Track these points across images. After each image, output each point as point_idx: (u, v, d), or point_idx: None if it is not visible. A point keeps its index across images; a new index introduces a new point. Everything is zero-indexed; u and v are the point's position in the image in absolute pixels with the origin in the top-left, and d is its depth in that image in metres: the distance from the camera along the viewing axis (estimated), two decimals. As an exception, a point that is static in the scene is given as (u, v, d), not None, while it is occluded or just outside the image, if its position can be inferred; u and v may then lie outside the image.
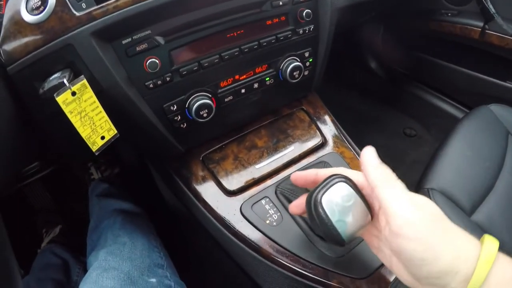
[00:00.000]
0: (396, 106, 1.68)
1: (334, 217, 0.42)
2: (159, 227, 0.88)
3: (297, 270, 0.58)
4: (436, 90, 1.52)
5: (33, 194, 1.21)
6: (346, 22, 0.89)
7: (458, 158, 0.95)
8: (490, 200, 0.92)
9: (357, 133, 1.45)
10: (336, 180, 0.44)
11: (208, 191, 0.68)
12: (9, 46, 0.52)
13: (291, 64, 0.70)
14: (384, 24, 1.54)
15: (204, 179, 0.69)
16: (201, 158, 0.73)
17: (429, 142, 1.51)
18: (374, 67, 1.71)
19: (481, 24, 1.19)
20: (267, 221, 0.62)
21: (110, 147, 0.63)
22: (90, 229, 0.89)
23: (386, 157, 1.39)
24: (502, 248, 0.78)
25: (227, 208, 0.65)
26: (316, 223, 0.44)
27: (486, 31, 1.18)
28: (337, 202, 0.43)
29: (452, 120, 1.39)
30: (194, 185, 0.69)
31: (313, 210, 0.44)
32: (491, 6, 1.16)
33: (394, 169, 1.01)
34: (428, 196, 0.83)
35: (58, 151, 0.78)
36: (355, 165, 0.73)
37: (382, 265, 0.58)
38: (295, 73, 0.71)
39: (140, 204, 0.94)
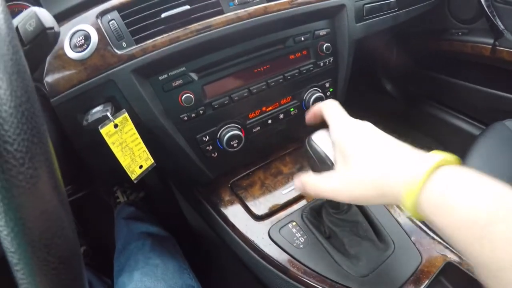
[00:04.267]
0: (413, 126, 1.76)
1: (324, 148, 0.54)
2: (184, 250, 0.95)
3: None
4: (452, 108, 1.60)
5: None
6: (363, 50, 0.99)
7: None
8: None
9: None
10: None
11: (237, 216, 0.76)
12: (52, 79, 0.60)
13: (313, 95, 0.79)
14: (396, 46, 1.64)
15: (232, 205, 0.77)
16: (229, 185, 0.81)
17: (447, 161, 1.58)
18: (390, 89, 1.79)
19: (491, 41, 1.27)
20: (294, 244, 0.69)
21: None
22: (118, 251, 0.96)
23: None
24: None
25: (256, 232, 0.72)
26: (312, 158, 0.56)
27: (497, 47, 1.26)
28: (325, 138, 0.55)
29: (469, 137, 1.45)
30: (223, 210, 0.77)
31: (308, 147, 0.57)
32: (499, 23, 1.25)
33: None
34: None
35: (92, 176, 0.86)
36: None
37: (406, 282, 0.65)
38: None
39: (166, 227, 1.02)
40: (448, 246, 0.71)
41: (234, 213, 0.76)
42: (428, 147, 1.32)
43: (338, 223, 0.66)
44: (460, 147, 1.16)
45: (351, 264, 0.66)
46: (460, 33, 1.35)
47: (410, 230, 0.73)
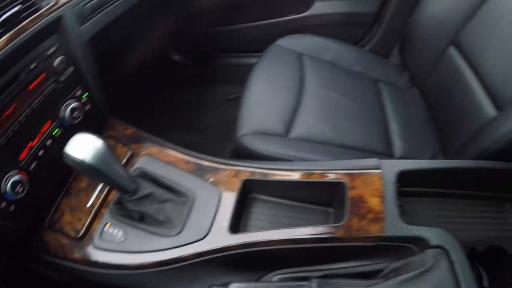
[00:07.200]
0: (212, 81, 2.08)
1: (79, 154, 0.74)
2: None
3: (162, 261, 0.86)
4: (238, 51, 1.96)
5: None
6: (117, 40, 1.21)
7: (258, 97, 1.31)
8: (302, 113, 1.28)
9: (186, 123, 1.84)
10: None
11: (66, 247, 0.92)
12: None
13: (67, 108, 0.96)
14: (170, 20, 1.91)
15: (58, 241, 0.93)
16: (46, 226, 0.96)
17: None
18: (179, 59, 2.08)
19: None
20: (117, 241, 0.89)
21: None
22: None
23: (222, 129, 1.79)
24: (329, 144, 1.20)
25: (86, 251, 0.90)
26: (76, 167, 0.76)
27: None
28: (80, 143, 0.75)
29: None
30: (54, 250, 0.93)
31: (67, 160, 0.75)
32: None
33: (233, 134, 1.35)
34: (240, 142, 1.18)
35: None
36: (164, 155, 1.03)
37: (216, 214, 0.89)
38: (75, 114, 0.97)
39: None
40: (241, 167, 0.96)
41: (63, 246, 0.92)
42: (233, 92, 1.67)
43: (138, 203, 0.87)
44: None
45: (165, 228, 0.88)
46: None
47: (202, 173, 0.98)
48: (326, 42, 1.64)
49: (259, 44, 1.72)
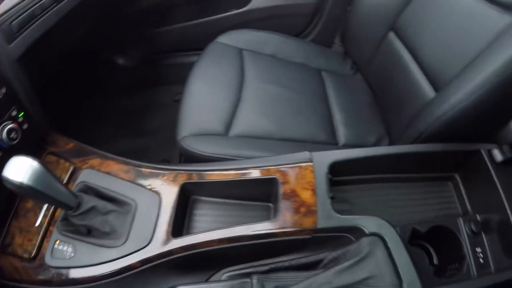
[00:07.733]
0: (158, 83, 2.09)
1: (16, 176, 0.74)
2: None
3: (112, 272, 0.88)
4: (182, 50, 1.98)
5: None
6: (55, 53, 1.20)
7: (197, 97, 1.33)
8: (242, 110, 1.31)
9: (135, 128, 1.83)
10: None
11: (20, 270, 0.93)
12: None
13: (4, 129, 0.95)
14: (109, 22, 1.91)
15: (12, 264, 0.93)
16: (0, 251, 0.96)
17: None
18: (123, 62, 2.08)
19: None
20: (67, 257, 0.90)
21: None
22: None
23: (171, 132, 1.79)
24: (270, 138, 1.23)
25: (39, 271, 0.91)
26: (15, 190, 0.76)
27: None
28: (17, 166, 0.76)
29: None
30: (9, 274, 0.93)
31: (6, 184, 0.76)
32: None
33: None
34: (181, 145, 1.20)
35: None
36: (105, 166, 1.04)
37: (158, 219, 0.93)
38: (13, 135, 0.96)
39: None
40: (179, 171, 0.98)
41: (17, 269, 0.93)
42: (180, 93, 1.66)
43: (83, 217, 0.89)
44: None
45: (111, 239, 0.90)
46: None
47: (142, 180, 1.00)
48: (267, 36, 1.68)
49: (202, 42, 1.74)
